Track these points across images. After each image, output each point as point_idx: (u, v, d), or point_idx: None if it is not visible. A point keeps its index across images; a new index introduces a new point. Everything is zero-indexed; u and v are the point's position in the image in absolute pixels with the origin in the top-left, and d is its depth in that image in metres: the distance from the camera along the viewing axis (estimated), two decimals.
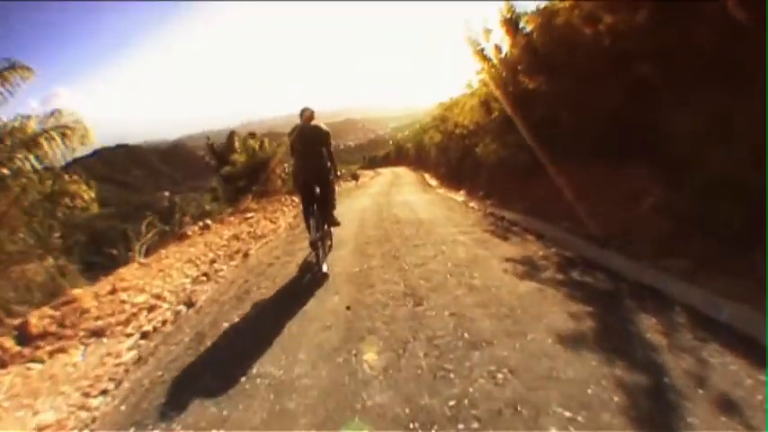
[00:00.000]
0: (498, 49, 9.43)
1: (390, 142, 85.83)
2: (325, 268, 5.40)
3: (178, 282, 6.43)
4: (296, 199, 14.89)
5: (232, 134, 21.14)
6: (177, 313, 5.09)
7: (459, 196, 12.37)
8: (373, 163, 59.24)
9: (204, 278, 6.37)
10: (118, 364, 3.93)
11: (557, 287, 4.10)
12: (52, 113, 8.24)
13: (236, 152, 18.95)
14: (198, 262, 7.40)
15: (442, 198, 12.56)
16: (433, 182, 20.03)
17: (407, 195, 14.00)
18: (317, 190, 5.64)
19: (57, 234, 9.48)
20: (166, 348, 4.03)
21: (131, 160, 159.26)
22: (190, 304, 5.30)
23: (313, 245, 5.54)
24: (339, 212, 8.25)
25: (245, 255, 7.33)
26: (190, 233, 9.77)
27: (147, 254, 9.69)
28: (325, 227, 6.12)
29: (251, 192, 16.24)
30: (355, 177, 26.82)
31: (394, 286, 4.55)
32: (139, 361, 3.91)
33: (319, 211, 5.70)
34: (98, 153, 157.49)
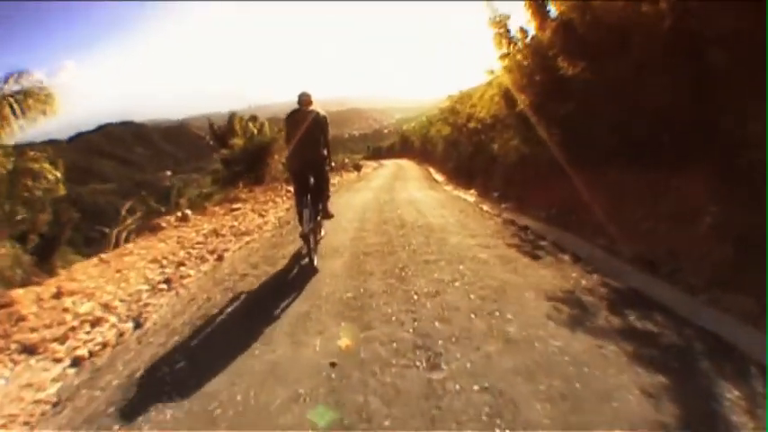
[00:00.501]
0: (524, 32, 8.27)
1: (395, 134, 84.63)
2: (315, 261, 5.21)
3: (134, 288, 5.38)
4: (292, 189, 13.82)
5: (233, 116, 20.14)
6: (121, 334, 4.09)
7: (471, 196, 11.22)
8: (377, 154, 57.95)
9: (165, 286, 5.31)
10: (36, 402, 3.15)
11: (617, 342, 3.03)
12: (9, 76, 7.16)
13: (236, 135, 18.01)
14: (164, 262, 6.31)
15: (451, 197, 11.34)
16: (440, 177, 18.87)
17: (413, 192, 12.79)
18: (312, 179, 5.42)
19: (18, 216, 8.51)
20: (89, 393, 3.10)
21: (136, 137, 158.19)
22: (138, 324, 4.29)
23: (305, 237, 5.13)
24: (337, 209, 7.53)
25: (220, 257, 6.23)
26: (164, 225, 8.63)
27: (128, 239, 8.69)
28: (318, 218, 5.83)
29: (243, 179, 15.19)
30: (357, 168, 25.53)
31: (399, 330, 3.37)
32: (57, 405, 3.05)
33: (312, 202, 5.46)
34: (102, 128, 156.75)
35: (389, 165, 31.96)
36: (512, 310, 3.59)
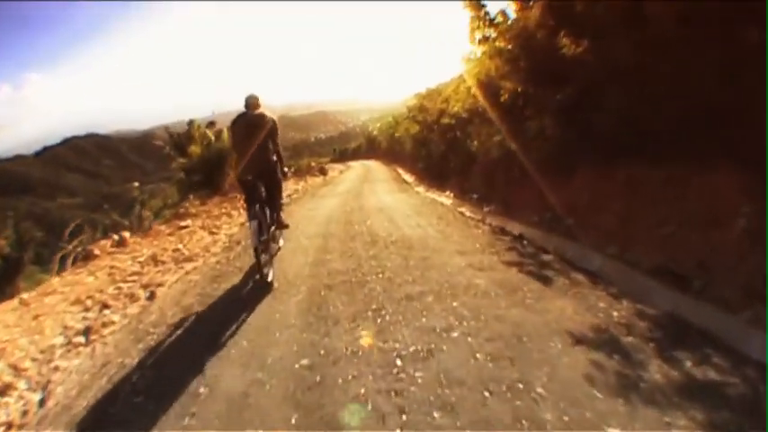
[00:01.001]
0: (504, 14, 7.27)
1: (361, 135, 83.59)
2: (270, 276, 4.79)
3: (49, 341, 4.18)
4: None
5: (191, 123, 18.80)
6: (25, 412, 3.01)
7: (446, 198, 10.15)
8: (344, 156, 56.73)
9: (82, 339, 4.12)
10: None
11: (685, 411, 2.16)
12: None
13: (194, 143, 16.64)
14: (88, 303, 5.03)
15: (425, 201, 10.22)
16: (410, 178, 17.82)
17: (383, 196, 11.65)
18: (262, 188, 5.08)
19: None
20: None
21: (102, 150, 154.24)
22: (42, 399, 3.16)
23: (256, 251, 4.60)
24: (297, 221, 7.44)
25: (152, 295, 4.96)
26: (98, 251, 7.29)
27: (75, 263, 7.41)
28: (272, 229, 5.43)
29: (199, 189, 13.84)
30: (323, 172, 24.23)
31: (380, 426, 2.20)
32: None
33: (264, 212, 5.11)
34: (68, 142, 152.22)
35: (357, 167, 30.79)
36: (538, 376, 2.48)
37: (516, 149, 7.52)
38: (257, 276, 4.74)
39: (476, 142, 9.36)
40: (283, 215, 5.97)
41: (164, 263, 6.30)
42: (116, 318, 4.51)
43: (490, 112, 8.24)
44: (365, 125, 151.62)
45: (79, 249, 8.44)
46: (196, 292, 4.81)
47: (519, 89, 6.90)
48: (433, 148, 14.61)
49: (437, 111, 13.16)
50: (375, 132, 48.09)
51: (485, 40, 7.59)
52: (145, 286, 5.32)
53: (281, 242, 6.28)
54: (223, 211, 10.65)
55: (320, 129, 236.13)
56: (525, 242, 5.54)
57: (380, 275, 4.54)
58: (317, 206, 10.51)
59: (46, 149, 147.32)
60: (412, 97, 20.68)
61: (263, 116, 5.31)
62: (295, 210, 10.14)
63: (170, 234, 8.47)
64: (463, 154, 10.65)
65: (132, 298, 4.99)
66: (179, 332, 3.81)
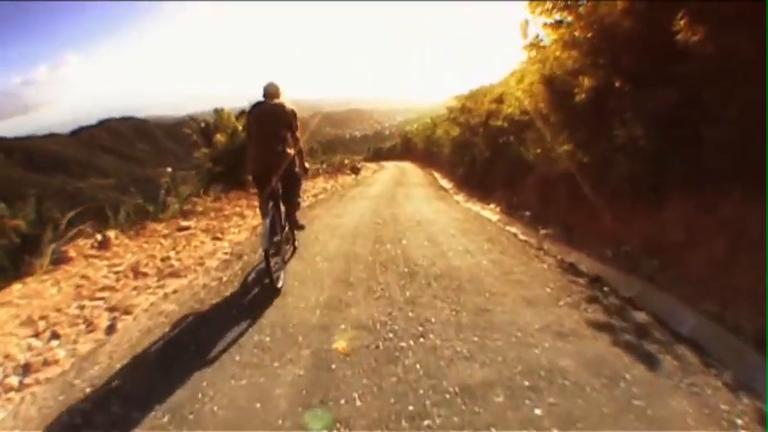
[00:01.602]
0: None
1: (397, 135, 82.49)
2: (280, 283, 4.38)
3: None
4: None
5: (220, 111, 17.92)
6: None
7: (491, 213, 8.81)
8: (378, 155, 55.53)
9: (15, 382, 3.07)
10: None
11: None
12: None
13: (221, 132, 15.73)
14: (41, 325, 3.95)
15: (468, 215, 8.84)
16: (447, 184, 16.50)
17: (419, 204, 10.32)
18: (278, 184, 4.75)
19: None
20: None
21: (137, 133, 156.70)
22: None
23: (266, 253, 4.14)
24: (316, 233, 6.57)
25: (112, 327, 3.80)
26: (73, 254, 6.09)
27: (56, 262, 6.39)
28: (286, 230, 5.22)
29: (215, 184, 12.81)
30: (355, 171, 23.06)
31: None
32: None
33: (277, 211, 4.69)
34: (104, 123, 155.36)
35: (390, 167, 29.55)
36: None
37: (589, 162, 6.16)
38: (266, 280, 4.31)
39: (533, 150, 8.01)
40: (299, 215, 5.62)
41: (144, 276, 5.17)
42: (62, 354, 3.39)
43: (556, 116, 6.88)
44: (401, 125, 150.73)
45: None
46: (164, 333, 3.58)
47: (601, 88, 5.55)
48: (476, 153, 13.26)
49: (485, 112, 11.78)
50: (411, 133, 46.85)
51: (556, 25, 6.26)
52: (111, 309, 4.18)
53: (296, 243, 5.85)
54: (236, 209, 9.47)
55: (355, 126, 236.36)
56: (606, 289, 4.19)
57: (421, 341, 3.17)
58: (344, 212, 9.22)
59: (82, 129, 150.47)
60: (452, 98, 19.55)
61: (282, 106, 4.92)
62: (319, 214, 8.90)
63: (165, 236, 7.31)
64: (514, 162, 9.29)
65: (90, 327, 3.85)
66: (113, 410, 2.60)
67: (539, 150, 7.71)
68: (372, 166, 31.00)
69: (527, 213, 7.88)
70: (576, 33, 5.95)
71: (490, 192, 10.74)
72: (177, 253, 6.10)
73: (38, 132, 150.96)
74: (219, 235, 7.15)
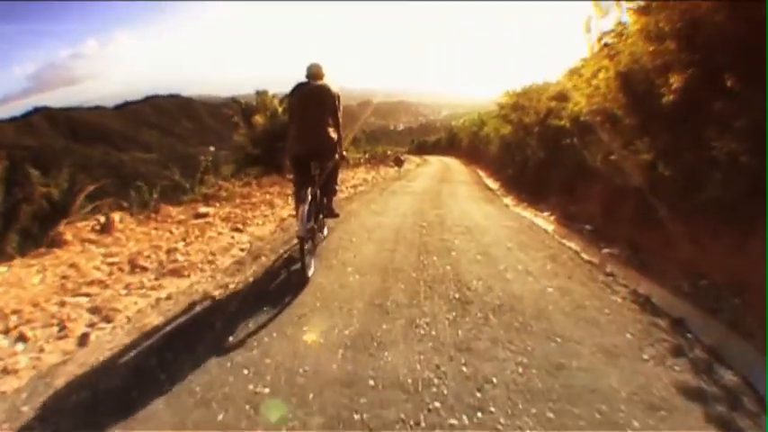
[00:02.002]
0: None
1: (442, 129, 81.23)
2: (310, 271, 4.31)
3: None
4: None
5: (263, 93, 17.57)
6: None
7: (546, 221, 8.01)
8: (422, 148, 54.57)
9: None
10: None
11: None
12: None
13: (260, 113, 15.36)
14: (11, 321, 3.51)
15: (522, 223, 7.96)
16: (493, 184, 15.67)
17: (466, 205, 9.57)
18: (317, 169, 4.53)
19: None
20: None
21: (182, 111, 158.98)
22: None
23: (300, 240, 4.09)
24: (350, 234, 5.95)
25: (85, 339, 3.25)
26: (69, 237, 5.49)
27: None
28: (321, 217, 5.05)
29: (251, 167, 12.35)
30: (399, 163, 22.34)
31: None
32: None
33: (315, 197, 4.51)
34: (149, 99, 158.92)
35: (434, 162, 28.76)
36: None
37: (670, 176, 5.32)
38: (297, 266, 4.26)
39: (598, 156, 7.16)
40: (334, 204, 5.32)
41: (142, 270, 4.64)
42: (23, 363, 2.90)
43: (631, 119, 6.04)
44: (446, 119, 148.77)
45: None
46: (136, 360, 2.95)
47: (696, 88, 4.72)
48: (528, 154, 12.39)
49: (543, 110, 10.89)
50: (457, 128, 45.75)
51: (643, 11, 5.43)
52: (93, 311, 3.68)
53: (325, 232, 5.65)
54: (266, 197, 8.87)
55: (400, 118, 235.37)
56: (688, 334, 3.44)
57: (479, 417, 2.36)
58: (384, 208, 8.52)
59: (127, 104, 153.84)
60: (503, 95, 18.64)
61: (326, 87, 4.72)
62: (356, 209, 8.22)
63: (179, 222, 6.73)
64: (574, 168, 8.44)
65: (64, 332, 3.34)
66: None
67: (605, 156, 6.85)
68: (416, 159, 30.26)
69: (587, 227, 7.08)
70: (661, 24, 5.13)
71: (542, 197, 9.92)
72: (187, 245, 5.55)
73: (84, 105, 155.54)
74: (240, 226, 6.56)
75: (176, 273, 4.55)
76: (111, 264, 4.80)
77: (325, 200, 5.03)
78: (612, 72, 6.13)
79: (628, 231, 6.13)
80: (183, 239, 5.78)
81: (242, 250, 5.44)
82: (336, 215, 5.42)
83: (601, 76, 6.43)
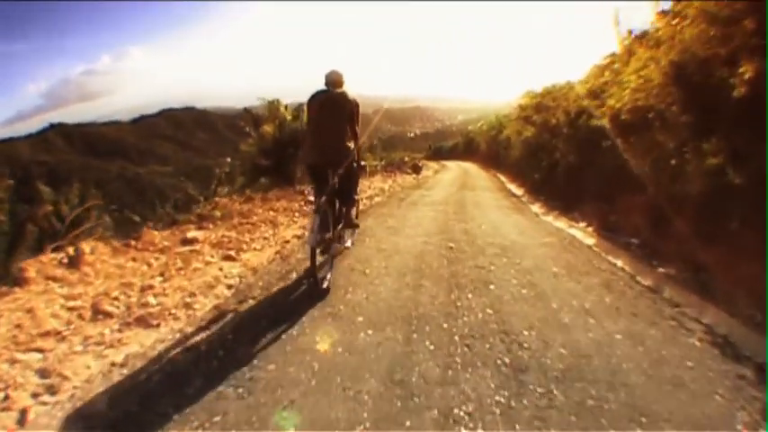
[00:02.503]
0: None
1: (458, 134, 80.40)
2: (326, 284, 4.20)
3: None
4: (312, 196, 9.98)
5: (275, 102, 17.02)
6: None
7: (582, 233, 7.16)
8: (438, 153, 53.73)
9: None
10: None
11: None
12: None
13: (267, 122, 14.76)
14: None
15: (558, 236, 7.08)
16: (517, 190, 14.82)
17: (494, 216, 8.70)
18: (334, 178, 4.45)
19: None
20: None
21: (197, 123, 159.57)
22: None
23: (312, 250, 3.97)
24: (363, 261, 5.15)
25: (24, 415, 2.57)
26: (32, 274, 4.62)
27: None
28: (339, 227, 4.81)
29: (259, 178, 11.68)
30: (416, 170, 21.53)
31: None
32: None
33: (332, 206, 4.54)
34: (165, 112, 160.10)
35: (453, 167, 27.91)
36: None
37: (742, 184, 4.47)
38: (309, 279, 4.09)
39: (643, 159, 6.30)
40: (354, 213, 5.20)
41: (106, 317, 3.88)
42: None
43: (690, 116, 5.19)
44: (462, 124, 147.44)
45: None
46: None
47: None
48: (556, 157, 11.51)
49: (573, 109, 10.02)
50: (474, 133, 44.84)
51: None
52: (42, 373, 2.98)
53: (348, 243, 5.24)
54: (269, 214, 8.00)
55: (416, 124, 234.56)
56: None
57: None
58: (403, 224, 7.62)
59: (142, 117, 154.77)
60: (524, 95, 17.84)
61: (344, 96, 4.68)
62: (372, 227, 7.27)
63: (161, 251, 5.85)
64: (612, 172, 7.57)
65: (4, 404, 2.63)
66: None
67: (655, 160, 5.99)
68: (433, 165, 29.42)
69: (633, 241, 6.25)
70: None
71: (574, 204, 9.07)
72: (165, 280, 4.73)
73: (98, 120, 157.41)
74: (233, 253, 5.68)
75: (144, 322, 3.78)
76: (72, 308, 4.04)
77: (344, 210, 4.93)
78: (664, 62, 5.29)
79: (686, 247, 5.30)
80: (162, 274, 4.96)
81: (229, 287, 4.58)
82: (356, 225, 5.37)
83: (650, 67, 5.58)
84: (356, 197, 5.41)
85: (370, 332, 3.46)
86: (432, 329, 3.52)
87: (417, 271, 4.96)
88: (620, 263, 5.46)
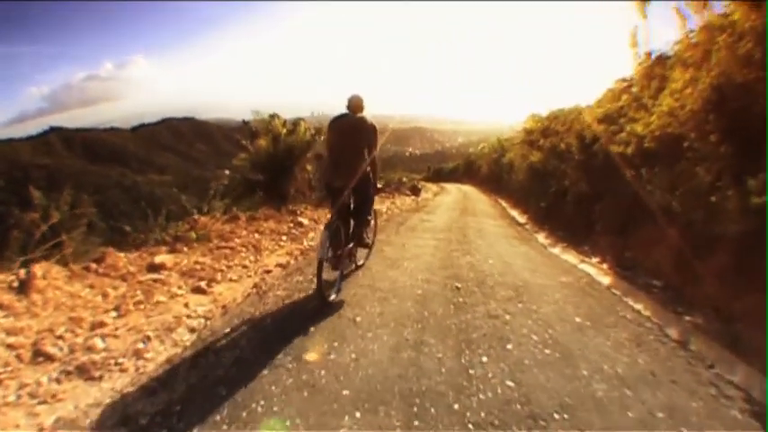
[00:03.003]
0: None
1: (458, 156, 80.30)
2: (333, 296, 4.41)
3: None
4: (315, 221, 9.27)
5: (273, 116, 16.50)
6: None
7: (596, 269, 6.50)
8: (438, 175, 53.15)
9: None
10: None
11: None
12: None
13: (262, 136, 14.19)
14: None
15: (575, 274, 6.34)
16: (520, 217, 14.20)
17: (501, 247, 8.02)
18: (351, 198, 4.89)
19: None
20: None
21: (197, 134, 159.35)
22: None
23: (320, 264, 4.13)
24: (354, 305, 4.42)
25: None
26: None
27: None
28: (350, 245, 5.02)
29: (246, 197, 11.01)
30: (415, 192, 20.91)
31: None
32: None
33: (345, 224, 4.86)
34: (165, 121, 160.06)
35: (453, 191, 27.26)
36: None
37: None
38: (318, 295, 4.19)
39: (672, 190, 5.68)
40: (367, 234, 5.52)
41: (47, 361, 3.23)
42: None
43: (731, 147, 4.59)
44: (462, 146, 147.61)
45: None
46: None
47: None
48: (565, 184, 10.90)
49: (589, 134, 9.43)
50: (475, 155, 44.42)
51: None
52: None
53: (362, 261, 5.76)
54: (252, 237, 7.22)
55: (416, 144, 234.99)
56: None
57: None
58: (401, 255, 6.79)
59: (143, 126, 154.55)
60: (529, 118, 17.40)
61: (364, 120, 4.91)
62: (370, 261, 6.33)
63: (122, 277, 5.03)
64: (629, 203, 6.96)
65: None
66: None
67: (685, 193, 5.36)
68: (433, 187, 28.78)
69: (654, 282, 5.61)
70: None
71: (584, 236, 8.45)
72: (120, 316, 4.03)
73: (98, 126, 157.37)
74: (204, 284, 4.98)
75: (85, 372, 3.10)
76: (12, 346, 3.32)
77: (357, 229, 5.11)
78: (703, 85, 4.69)
79: (716, 293, 4.68)
80: (118, 308, 4.22)
81: (191, 331, 3.86)
82: (366, 245, 5.67)
83: (687, 91, 4.98)
84: (370, 218, 5.58)
85: (357, 415, 2.66)
86: (439, 413, 2.73)
87: (419, 321, 4.17)
88: (643, 309, 4.80)
